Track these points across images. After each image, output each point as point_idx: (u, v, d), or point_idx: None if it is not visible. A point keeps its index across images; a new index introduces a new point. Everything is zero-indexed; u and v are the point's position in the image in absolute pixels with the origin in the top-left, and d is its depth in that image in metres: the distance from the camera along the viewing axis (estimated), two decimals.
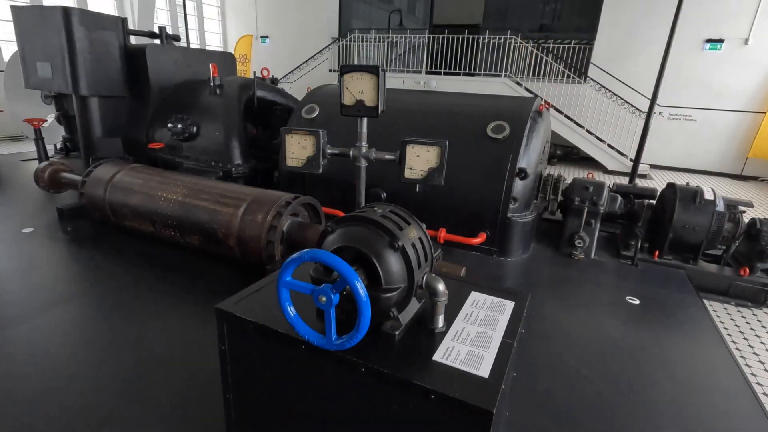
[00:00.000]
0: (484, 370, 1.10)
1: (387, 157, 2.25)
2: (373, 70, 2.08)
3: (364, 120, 2.28)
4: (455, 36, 12.20)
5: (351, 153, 2.32)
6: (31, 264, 3.15)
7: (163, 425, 1.79)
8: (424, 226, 1.37)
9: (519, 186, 3.44)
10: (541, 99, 4.23)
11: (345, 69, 2.12)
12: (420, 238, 1.30)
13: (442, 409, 1.01)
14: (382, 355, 1.14)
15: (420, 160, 2.06)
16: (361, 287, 1.00)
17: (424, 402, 1.03)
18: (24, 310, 2.53)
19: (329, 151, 2.30)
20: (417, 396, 1.04)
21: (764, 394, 2.77)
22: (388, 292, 1.17)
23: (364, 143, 2.32)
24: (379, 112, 2.17)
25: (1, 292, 2.73)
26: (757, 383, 2.87)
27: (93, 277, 3.05)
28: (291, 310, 1.12)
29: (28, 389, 1.94)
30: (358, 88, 2.12)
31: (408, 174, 2.11)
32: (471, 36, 12.02)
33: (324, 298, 1.04)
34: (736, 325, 3.43)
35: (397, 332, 1.21)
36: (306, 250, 1.07)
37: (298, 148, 2.23)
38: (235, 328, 1.30)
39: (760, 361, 3.08)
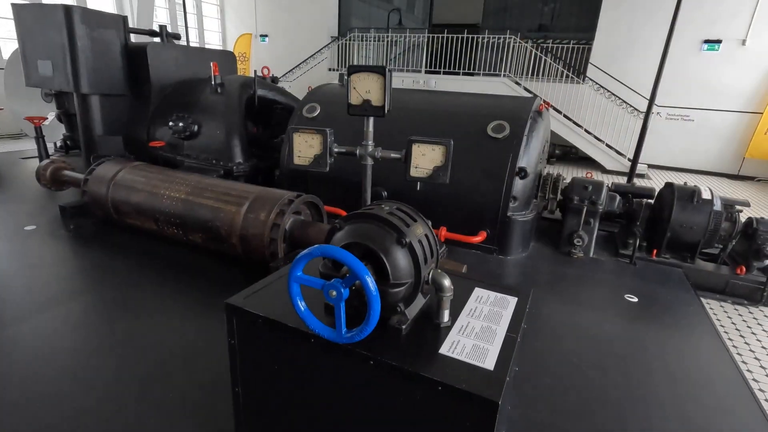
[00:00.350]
0: (489, 363, 1.12)
1: (393, 155, 2.28)
2: (380, 70, 2.11)
3: (371, 119, 2.30)
4: (454, 35, 12.21)
5: (357, 152, 2.34)
6: (34, 262, 3.16)
7: (170, 420, 1.80)
8: (429, 223, 1.39)
9: (519, 185, 3.47)
10: (541, 99, 4.26)
11: (352, 69, 2.14)
12: (426, 235, 1.33)
13: (449, 400, 1.04)
14: (389, 348, 1.16)
15: (425, 158, 2.08)
16: (371, 282, 1.02)
17: (432, 393, 1.06)
18: (27, 308, 2.54)
19: (336, 149, 2.32)
20: (424, 388, 1.07)
21: (760, 390, 2.81)
22: (395, 288, 1.20)
23: (370, 142, 2.34)
24: (386, 111, 2.19)
25: (3, 290, 2.74)
26: (753, 380, 2.91)
27: (96, 274, 3.07)
28: (301, 305, 1.14)
29: (30, 388, 1.94)
30: (365, 88, 2.14)
31: (413, 172, 2.13)
32: (470, 35, 12.04)
33: (334, 293, 1.07)
34: (732, 323, 3.46)
35: (404, 326, 1.24)
36: (316, 246, 1.09)
37: (305, 147, 2.26)
38: (244, 322, 1.33)
39: (756, 358, 3.12)
